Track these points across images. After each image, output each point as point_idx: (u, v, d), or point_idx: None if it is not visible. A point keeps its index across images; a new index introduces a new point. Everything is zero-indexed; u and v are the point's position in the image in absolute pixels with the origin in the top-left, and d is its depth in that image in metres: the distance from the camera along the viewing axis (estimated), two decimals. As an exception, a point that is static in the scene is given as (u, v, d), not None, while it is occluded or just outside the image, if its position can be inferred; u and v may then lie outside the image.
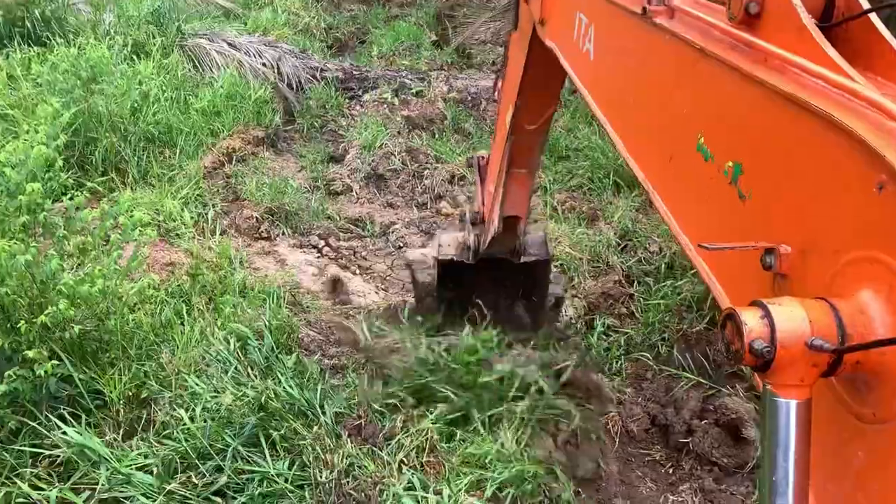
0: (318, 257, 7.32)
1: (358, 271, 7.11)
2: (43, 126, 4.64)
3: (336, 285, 6.60)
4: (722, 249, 1.66)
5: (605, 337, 5.99)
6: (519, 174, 4.54)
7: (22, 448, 4.06)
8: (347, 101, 10.64)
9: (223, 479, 4.05)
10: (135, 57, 9.03)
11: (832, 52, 1.49)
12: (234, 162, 8.27)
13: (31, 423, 4.02)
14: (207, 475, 4.06)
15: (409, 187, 8.64)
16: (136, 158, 7.64)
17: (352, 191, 8.67)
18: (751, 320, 1.30)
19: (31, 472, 3.96)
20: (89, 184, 7.06)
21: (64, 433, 3.97)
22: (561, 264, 6.63)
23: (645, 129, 2.28)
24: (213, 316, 5.25)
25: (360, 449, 4.22)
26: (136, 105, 8.19)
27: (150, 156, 7.81)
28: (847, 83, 1.39)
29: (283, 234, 7.49)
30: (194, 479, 4.01)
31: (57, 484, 3.91)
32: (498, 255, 5.05)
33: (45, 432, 4.00)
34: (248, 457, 4.17)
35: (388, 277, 7.06)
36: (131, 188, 7.29)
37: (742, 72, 1.65)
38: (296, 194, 7.97)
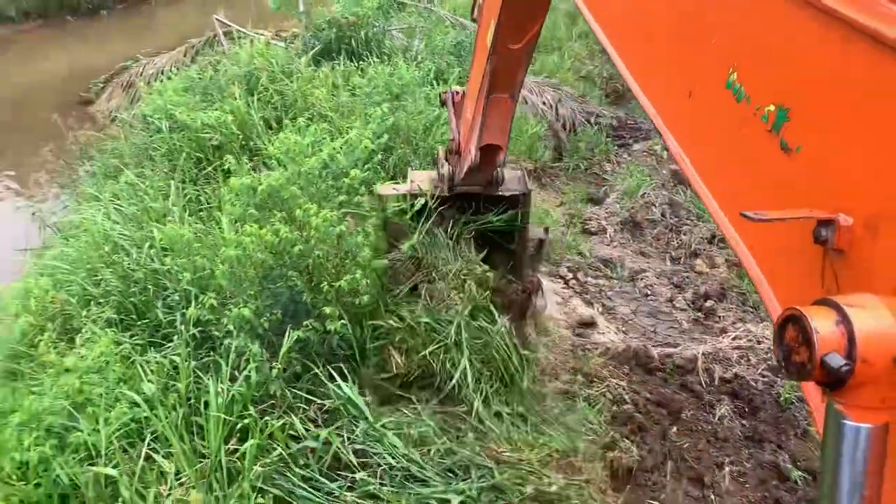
0: (564, 288, 7.57)
1: (601, 309, 7.26)
2: (371, 125, 5.42)
3: (588, 325, 6.81)
4: (769, 221, 1.28)
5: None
6: (500, 99, 4.11)
7: (300, 390, 4.74)
8: (616, 148, 10.89)
9: (455, 459, 4.42)
10: (434, 82, 10.02)
11: None
12: (502, 187, 8.85)
13: (314, 368, 4.68)
14: (443, 452, 4.45)
15: (664, 239, 8.64)
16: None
17: (606, 232, 8.86)
18: (824, 327, 1.04)
19: (304, 412, 4.62)
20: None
21: (338, 386, 4.58)
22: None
23: (657, 56, 1.86)
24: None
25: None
26: (428, 124, 9.10)
27: (433, 169, 8.63)
28: None
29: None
30: (432, 454, 4.42)
31: (323, 427, 4.52)
32: (474, 189, 4.67)
33: (323, 380, 4.64)
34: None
35: (630, 321, 7.12)
36: (412, 194, 8.11)
37: None
38: (553, 226, 8.32)
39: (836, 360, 1.01)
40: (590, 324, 6.87)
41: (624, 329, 7.02)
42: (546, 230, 5.84)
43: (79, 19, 18.48)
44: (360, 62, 10.10)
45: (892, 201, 1.12)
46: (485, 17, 3.89)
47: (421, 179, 4.92)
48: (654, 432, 5.39)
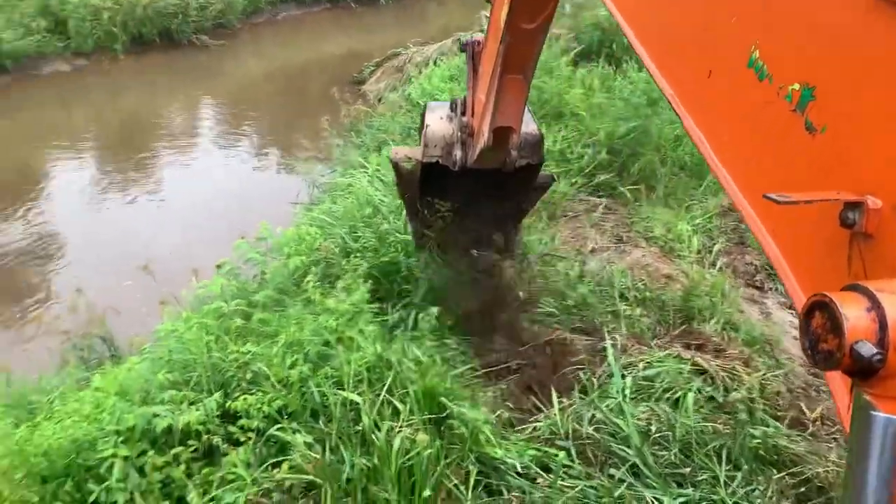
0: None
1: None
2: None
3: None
4: (794, 203, 1.21)
5: None
6: (513, 80, 3.99)
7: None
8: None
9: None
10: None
11: None
12: (750, 209, 8.44)
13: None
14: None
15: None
16: (665, 179, 8.36)
17: (861, 276, 8.13)
18: (854, 314, 0.99)
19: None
20: (621, 188, 8.07)
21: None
22: None
23: (675, 35, 1.80)
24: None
25: None
26: (678, 135, 8.92)
27: (678, 181, 8.45)
28: None
29: (777, 290, 7.42)
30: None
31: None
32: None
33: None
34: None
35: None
36: (653, 203, 8.02)
37: None
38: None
39: (868, 349, 0.97)
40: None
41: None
42: (552, 177, 5.62)
43: (360, 6, 20.29)
44: (620, 67, 10.13)
45: None
46: None
47: (435, 142, 4.81)
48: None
